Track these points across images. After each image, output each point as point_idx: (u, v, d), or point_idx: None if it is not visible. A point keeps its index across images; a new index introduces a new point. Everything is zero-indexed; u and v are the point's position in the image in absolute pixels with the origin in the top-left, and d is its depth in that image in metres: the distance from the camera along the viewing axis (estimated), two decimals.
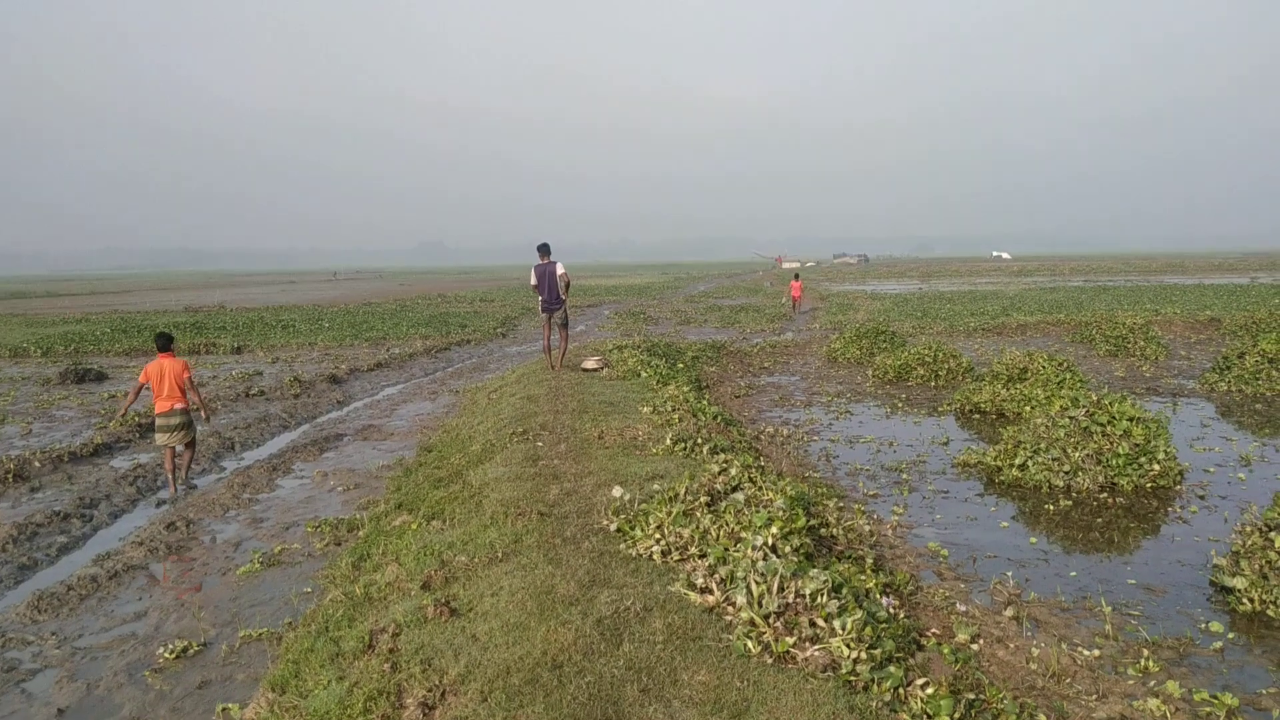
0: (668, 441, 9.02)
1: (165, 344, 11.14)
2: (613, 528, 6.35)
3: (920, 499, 9.49)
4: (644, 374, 14.22)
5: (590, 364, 15.17)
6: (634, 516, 6.37)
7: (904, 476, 10.39)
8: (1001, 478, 10.04)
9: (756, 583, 4.91)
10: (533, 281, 15.36)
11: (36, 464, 11.76)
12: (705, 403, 12.20)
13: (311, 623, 5.87)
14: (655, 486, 7.23)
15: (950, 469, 10.76)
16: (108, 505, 10.22)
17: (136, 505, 10.39)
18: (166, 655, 6.12)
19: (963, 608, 6.19)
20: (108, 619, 6.93)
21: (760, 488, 6.81)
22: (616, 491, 6.49)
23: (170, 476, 10.80)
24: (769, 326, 32.45)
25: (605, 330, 32.28)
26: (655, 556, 5.82)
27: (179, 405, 10.85)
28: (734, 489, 6.93)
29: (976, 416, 14.20)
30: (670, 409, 11.37)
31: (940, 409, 14.93)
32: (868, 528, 7.97)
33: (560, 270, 15.23)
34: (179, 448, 11.05)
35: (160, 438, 10.83)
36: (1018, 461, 9.95)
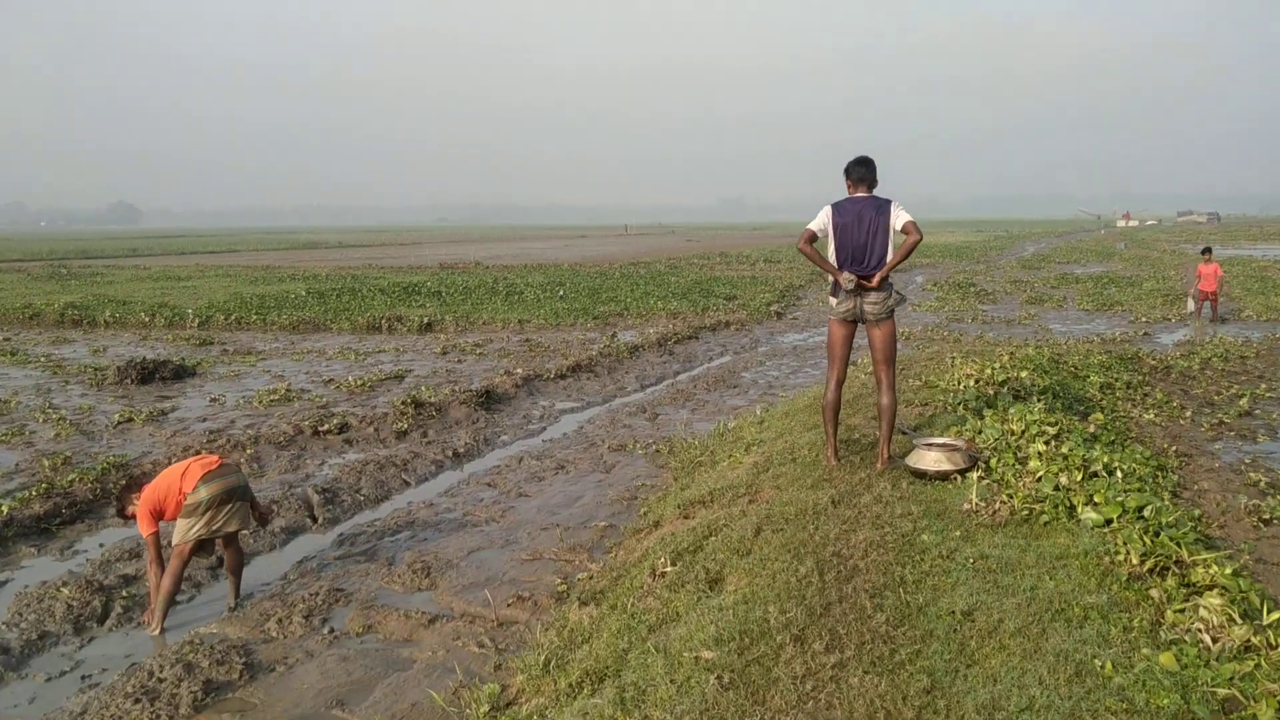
0: None
1: None
2: None
3: None
4: (1087, 515, 5.07)
5: (929, 463, 6.07)
6: None
7: None
8: None
9: None
10: (818, 224, 6.37)
11: None
12: None
13: None
14: None
15: None
16: None
17: None
18: None
19: None
20: None
21: None
22: None
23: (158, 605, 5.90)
24: (1168, 312, 21.52)
25: (922, 311, 22.80)
26: None
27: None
28: None
29: None
30: None
31: None
32: None
33: (902, 217, 6.16)
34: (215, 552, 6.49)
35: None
36: None
